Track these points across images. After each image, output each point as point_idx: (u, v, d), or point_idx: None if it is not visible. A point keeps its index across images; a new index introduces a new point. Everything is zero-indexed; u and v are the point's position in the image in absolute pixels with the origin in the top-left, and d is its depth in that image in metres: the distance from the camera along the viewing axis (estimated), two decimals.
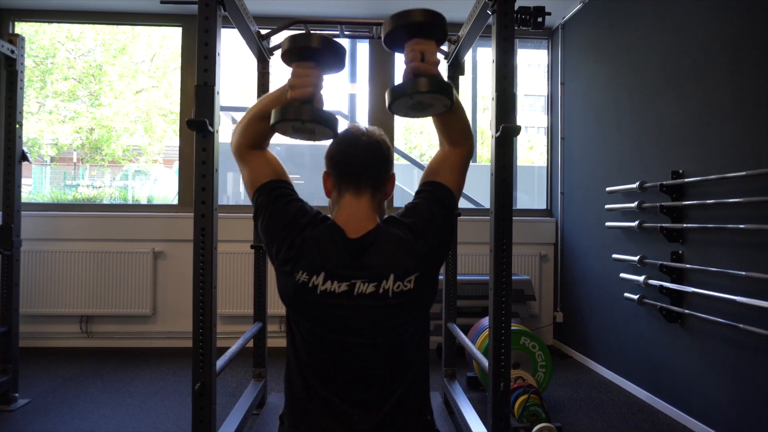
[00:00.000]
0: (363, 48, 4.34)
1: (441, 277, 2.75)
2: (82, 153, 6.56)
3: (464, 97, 5.64)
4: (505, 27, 1.77)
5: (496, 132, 1.75)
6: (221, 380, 3.19)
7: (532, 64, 5.55)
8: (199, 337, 1.74)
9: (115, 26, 5.05)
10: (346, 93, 4.41)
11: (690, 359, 2.60)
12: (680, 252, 2.65)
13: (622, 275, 3.11)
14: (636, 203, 2.93)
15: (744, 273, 2.17)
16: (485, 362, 2.01)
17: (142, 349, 3.90)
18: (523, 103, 7.17)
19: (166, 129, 6.86)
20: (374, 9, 3.92)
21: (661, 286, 2.71)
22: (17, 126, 2.67)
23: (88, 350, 3.83)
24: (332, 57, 1.11)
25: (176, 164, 6.72)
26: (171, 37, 6.40)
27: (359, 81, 4.37)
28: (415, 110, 1.18)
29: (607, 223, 3.28)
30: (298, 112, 1.07)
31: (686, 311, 2.56)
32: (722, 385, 2.38)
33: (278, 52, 2.66)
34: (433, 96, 1.09)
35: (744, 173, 2.17)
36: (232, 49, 4.39)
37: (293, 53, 1.10)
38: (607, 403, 2.94)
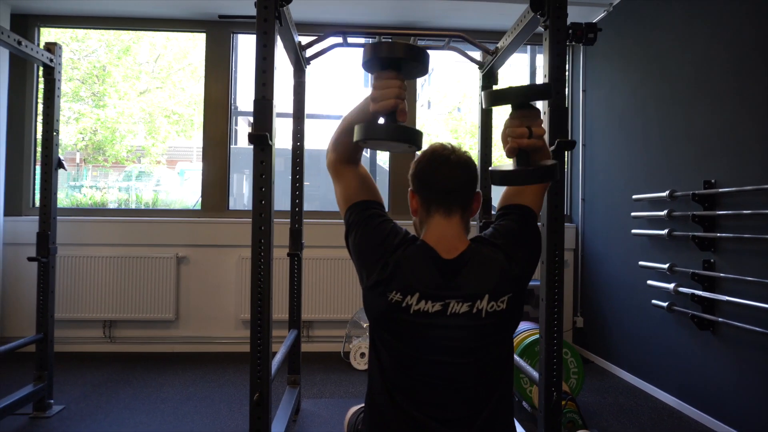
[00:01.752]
0: None
1: None
2: (84, 154, 6.55)
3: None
4: (557, 42, 1.79)
5: (551, 146, 1.77)
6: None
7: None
8: (257, 348, 1.76)
9: (131, 31, 5.05)
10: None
11: (722, 366, 2.63)
12: (712, 261, 2.68)
13: (650, 282, 3.14)
14: (665, 211, 2.96)
15: None
16: (534, 373, 2.03)
17: (165, 354, 3.91)
18: None
19: (169, 130, 6.85)
20: (401, 16, 3.94)
21: (693, 294, 2.74)
22: (54, 134, 2.68)
23: (112, 355, 3.84)
24: (416, 64, 1.06)
25: (179, 166, 6.69)
26: (176, 39, 6.41)
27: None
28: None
29: (634, 231, 3.31)
30: (376, 131, 1.03)
31: (719, 319, 2.59)
32: (755, 390, 2.41)
33: (315, 62, 2.68)
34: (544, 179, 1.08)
35: None
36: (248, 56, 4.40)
37: (374, 63, 1.05)
38: (636, 408, 2.97)
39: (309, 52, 2.63)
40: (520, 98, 1.05)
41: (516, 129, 1.06)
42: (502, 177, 1.10)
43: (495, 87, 1.02)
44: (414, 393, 1.13)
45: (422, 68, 1.08)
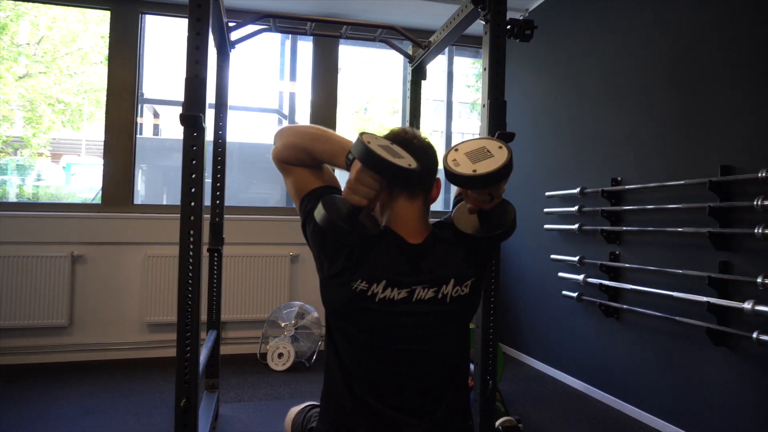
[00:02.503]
0: (303, 46, 4.26)
1: None
2: None
3: (432, 102, 5.75)
4: (497, 37, 1.84)
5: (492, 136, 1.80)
6: (158, 390, 2.96)
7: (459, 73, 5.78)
8: (185, 350, 1.62)
9: (21, 2, 4.51)
10: (286, 91, 4.30)
11: (625, 350, 2.85)
12: (618, 252, 2.90)
13: (561, 274, 3.34)
14: (576, 207, 3.16)
15: (681, 271, 2.43)
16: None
17: (58, 364, 3.51)
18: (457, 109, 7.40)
19: (54, 120, 6.24)
20: (329, 8, 3.86)
21: (601, 284, 2.95)
22: None
23: None
24: (401, 181, 1.08)
25: (64, 159, 6.08)
26: (63, 20, 5.84)
27: (299, 80, 4.28)
28: None
29: (546, 226, 3.50)
30: (345, 218, 1.01)
31: (624, 306, 2.81)
32: (654, 370, 2.64)
33: (240, 46, 2.53)
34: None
35: (683, 182, 2.42)
36: (155, 37, 4.09)
37: (367, 164, 0.99)
38: (548, 394, 3.14)
39: (234, 36, 2.48)
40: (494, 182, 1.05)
41: (479, 197, 1.09)
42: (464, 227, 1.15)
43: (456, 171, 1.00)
44: (374, 383, 1.09)
45: (404, 184, 1.11)
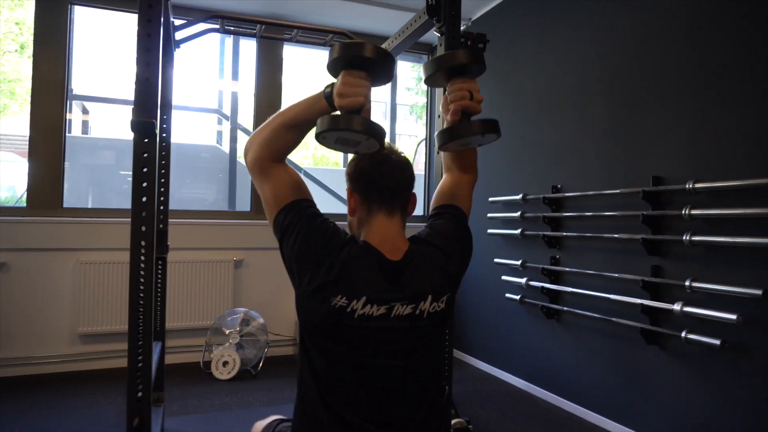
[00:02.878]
0: (246, 44, 4.16)
1: None
2: None
3: (375, 104, 5.74)
4: (452, 48, 1.88)
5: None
6: (96, 405, 2.80)
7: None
8: (137, 365, 1.54)
9: None
10: (228, 91, 4.18)
11: (564, 349, 3.00)
12: (558, 257, 3.05)
13: (504, 278, 3.45)
14: (519, 213, 3.29)
15: (617, 275, 2.59)
16: None
17: None
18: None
19: None
20: (277, 8, 3.79)
21: (542, 287, 3.08)
22: None
23: None
24: (384, 68, 1.06)
25: None
26: None
27: (242, 79, 4.17)
28: (464, 146, 1.20)
29: (490, 230, 3.61)
30: (350, 121, 1.01)
31: (564, 308, 2.95)
32: (592, 368, 2.79)
33: (185, 45, 2.44)
34: (487, 135, 1.11)
35: (619, 191, 2.58)
36: (84, 32, 3.87)
37: (344, 61, 1.03)
38: (494, 394, 3.25)
39: (180, 35, 2.38)
40: (462, 62, 1.10)
41: (458, 92, 1.11)
42: (449, 133, 1.12)
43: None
44: (350, 397, 1.09)
45: (388, 75, 1.09)
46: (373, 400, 1.10)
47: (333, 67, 1.05)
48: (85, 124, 4.58)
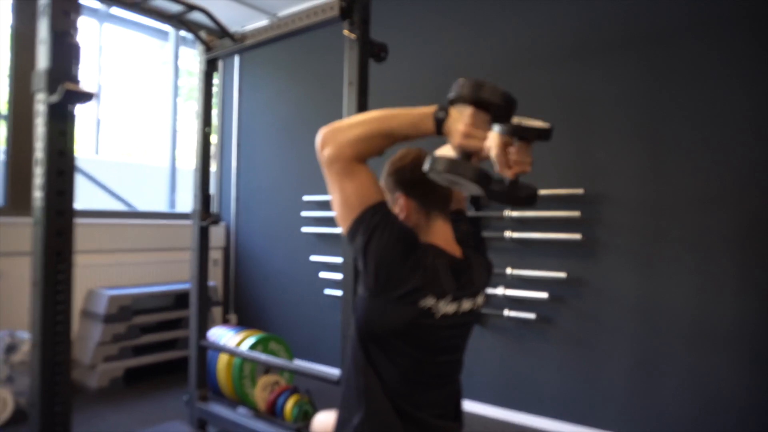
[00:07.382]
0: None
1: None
2: None
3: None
4: (363, 55, 1.93)
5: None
6: None
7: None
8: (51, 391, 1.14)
9: None
10: None
11: None
12: None
13: (322, 274, 3.54)
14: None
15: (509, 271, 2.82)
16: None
17: None
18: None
19: None
20: None
21: None
22: None
23: None
24: (500, 119, 0.99)
25: None
26: None
27: None
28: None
29: (303, 229, 3.65)
30: (475, 174, 0.94)
31: None
32: (482, 362, 2.89)
33: None
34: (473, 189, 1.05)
35: None
36: None
37: (478, 100, 0.95)
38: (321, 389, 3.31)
39: None
40: (540, 135, 1.04)
41: (527, 158, 1.03)
42: (498, 196, 1.05)
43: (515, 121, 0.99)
44: (417, 397, 1.13)
45: (507, 119, 1.03)
46: (432, 395, 1.16)
47: (460, 98, 0.97)
48: None
